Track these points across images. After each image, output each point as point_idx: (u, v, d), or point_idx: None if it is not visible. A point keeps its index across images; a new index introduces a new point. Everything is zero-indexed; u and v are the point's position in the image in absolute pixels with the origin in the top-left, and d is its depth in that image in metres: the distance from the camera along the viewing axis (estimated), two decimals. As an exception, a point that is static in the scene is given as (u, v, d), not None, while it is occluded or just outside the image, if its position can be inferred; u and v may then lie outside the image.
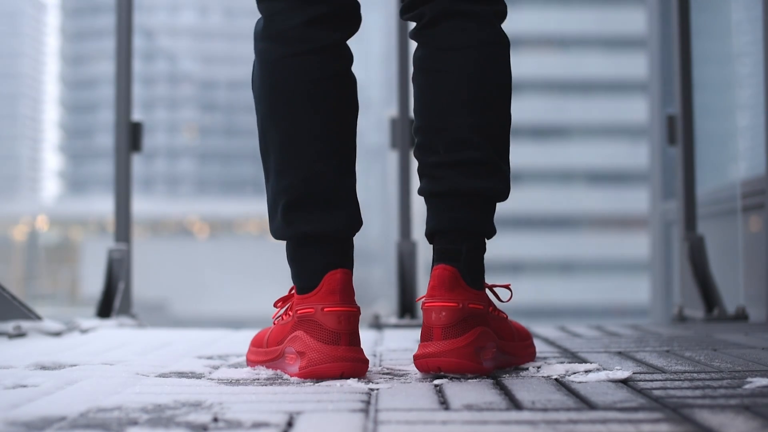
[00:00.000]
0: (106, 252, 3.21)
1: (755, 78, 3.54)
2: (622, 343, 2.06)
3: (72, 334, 2.50)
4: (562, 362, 1.67)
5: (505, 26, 1.65)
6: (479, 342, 1.51)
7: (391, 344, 2.17)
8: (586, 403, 1.22)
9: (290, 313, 1.59)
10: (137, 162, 4.24)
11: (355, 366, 1.51)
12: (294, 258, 1.60)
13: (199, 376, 1.57)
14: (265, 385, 1.45)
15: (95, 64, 54.40)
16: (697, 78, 3.48)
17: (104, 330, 2.66)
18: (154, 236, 45.21)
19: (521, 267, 39.92)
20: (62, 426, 1.09)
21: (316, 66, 1.59)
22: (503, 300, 1.65)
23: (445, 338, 1.50)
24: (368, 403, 1.25)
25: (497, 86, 1.60)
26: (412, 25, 1.68)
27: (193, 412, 1.18)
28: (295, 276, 1.60)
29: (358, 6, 1.64)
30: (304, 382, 1.47)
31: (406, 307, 3.14)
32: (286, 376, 1.55)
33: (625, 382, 1.41)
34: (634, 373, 1.49)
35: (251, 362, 1.68)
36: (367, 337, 2.21)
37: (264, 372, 1.59)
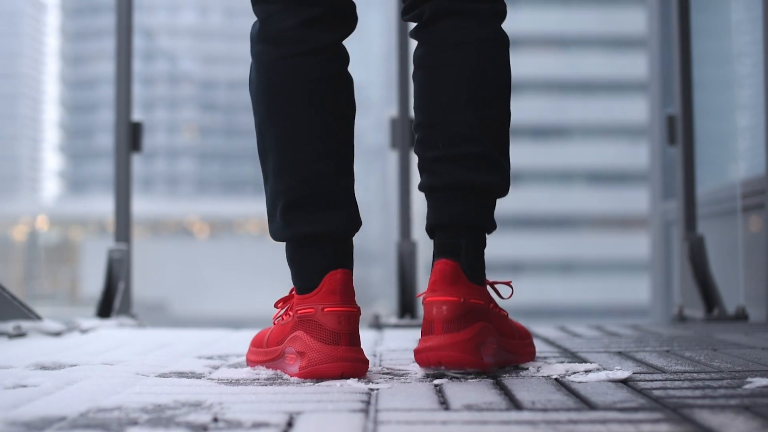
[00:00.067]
0: (106, 252, 3.21)
1: (755, 78, 3.54)
2: (622, 343, 2.06)
3: (72, 334, 2.50)
4: (562, 362, 1.67)
5: (505, 26, 1.65)
6: (480, 337, 1.51)
7: (391, 344, 2.17)
8: (586, 403, 1.22)
9: (290, 313, 1.60)
10: (137, 162, 4.24)
11: (355, 366, 1.51)
12: (294, 259, 1.60)
13: (199, 376, 1.57)
14: (265, 385, 1.45)
15: (95, 64, 54.41)
16: (697, 78, 3.48)
17: (104, 330, 2.66)
18: (154, 236, 45.22)
19: (521, 267, 39.92)
20: (62, 426, 1.09)
21: (314, 67, 1.59)
22: (504, 297, 1.65)
23: (446, 332, 1.49)
24: (368, 403, 1.25)
25: (497, 83, 1.60)
26: (413, 25, 1.68)
27: (193, 412, 1.18)
28: (295, 276, 1.60)
29: (353, 6, 1.64)
30: (304, 382, 1.47)
31: (406, 307, 3.14)
32: (286, 376, 1.55)
33: (625, 382, 1.41)
34: (634, 373, 1.49)
35: (251, 362, 1.68)
36: (367, 337, 2.21)
37: (264, 372, 1.59)
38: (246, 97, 1.66)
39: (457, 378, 1.49)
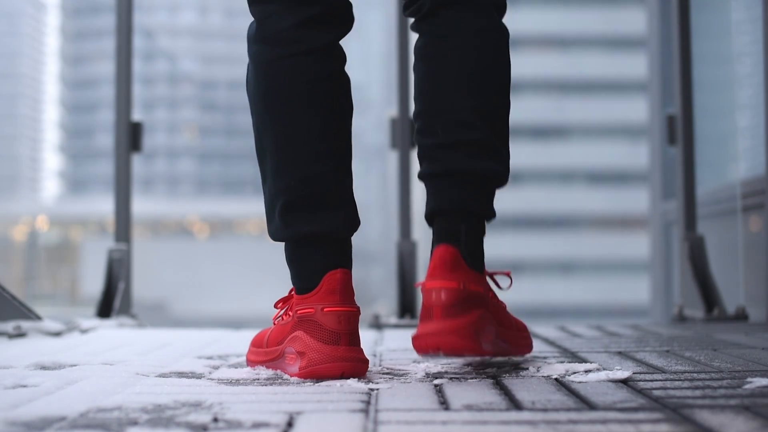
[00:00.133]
0: (106, 252, 3.21)
1: (755, 78, 3.54)
2: (622, 343, 2.06)
3: (72, 334, 2.50)
4: (562, 362, 1.67)
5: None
6: (479, 323, 1.50)
7: (391, 344, 2.17)
8: (586, 403, 1.22)
9: (290, 313, 1.59)
10: (137, 162, 4.24)
11: (355, 366, 1.51)
12: (293, 259, 1.60)
13: (199, 376, 1.57)
14: (265, 385, 1.45)
15: (95, 64, 54.42)
16: (697, 78, 3.48)
17: (104, 330, 2.66)
18: (154, 236, 45.22)
19: (521, 267, 39.90)
20: (62, 426, 1.09)
21: (311, 67, 1.59)
22: (503, 287, 1.64)
23: (445, 318, 1.49)
24: (368, 403, 1.25)
25: (497, 72, 1.60)
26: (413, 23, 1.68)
27: (193, 412, 1.18)
28: (295, 277, 1.60)
29: (350, 6, 1.65)
30: (304, 382, 1.47)
31: (406, 307, 3.14)
32: (286, 376, 1.55)
33: (625, 382, 1.41)
34: (634, 373, 1.49)
35: (251, 362, 1.68)
36: (367, 337, 2.21)
37: (264, 372, 1.59)
38: (246, 97, 1.66)
39: (456, 378, 1.49)
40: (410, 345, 2.11)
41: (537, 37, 41.57)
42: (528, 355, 1.76)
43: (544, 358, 1.77)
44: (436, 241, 1.56)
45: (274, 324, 1.65)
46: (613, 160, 41.88)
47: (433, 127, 1.58)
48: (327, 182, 1.58)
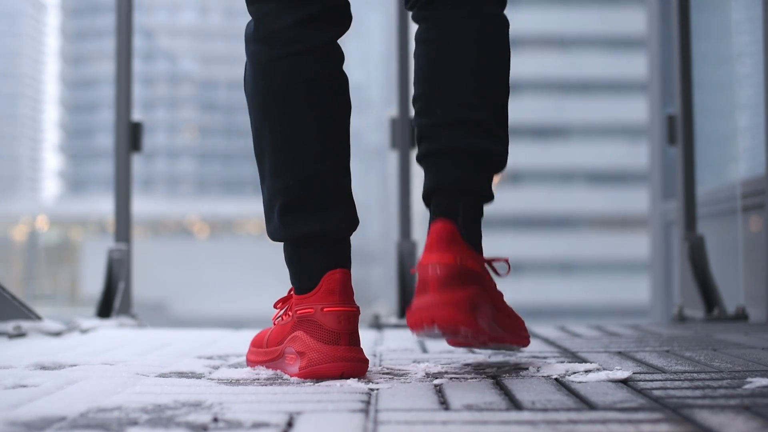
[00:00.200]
0: (106, 252, 3.21)
1: (755, 78, 3.54)
2: (622, 343, 2.06)
3: (72, 334, 2.50)
4: (562, 362, 1.67)
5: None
6: (476, 299, 1.49)
7: (391, 344, 2.17)
8: (586, 403, 1.22)
9: (290, 313, 1.59)
10: (137, 162, 4.24)
11: (355, 366, 1.51)
12: (292, 259, 1.60)
13: (199, 376, 1.57)
14: (265, 385, 1.45)
15: (95, 64, 54.42)
16: (697, 78, 3.48)
17: (104, 330, 2.66)
18: (154, 236, 45.21)
19: (521, 267, 39.88)
20: (62, 426, 1.09)
21: (309, 66, 1.59)
22: (501, 274, 1.63)
23: (441, 291, 1.47)
24: (368, 403, 1.25)
25: (497, 56, 1.61)
26: (414, 26, 1.68)
27: (193, 412, 1.18)
28: (294, 277, 1.60)
29: (347, 4, 1.65)
30: (304, 382, 1.47)
31: (406, 307, 3.14)
32: (286, 376, 1.55)
33: (625, 382, 1.41)
34: (634, 373, 1.49)
35: (251, 362, 1.68)
36: (367, 337, 2.21)
37: (264, 372, 1.59)
38: (245, 97, 1.66)
39: (457, 378, 1.49)
40: (410, 345, 2.12)
41: (537, 37, 41.56)
42: (528, 355, 1.76)
43: (544, 358, 1.77)
44: (433, 218, 1.55)
45: (274, 324, 1.65)
46: (613, 160, 41.87)
47: (433, 108, 1.58)
48: (326, 182, 1.58)
